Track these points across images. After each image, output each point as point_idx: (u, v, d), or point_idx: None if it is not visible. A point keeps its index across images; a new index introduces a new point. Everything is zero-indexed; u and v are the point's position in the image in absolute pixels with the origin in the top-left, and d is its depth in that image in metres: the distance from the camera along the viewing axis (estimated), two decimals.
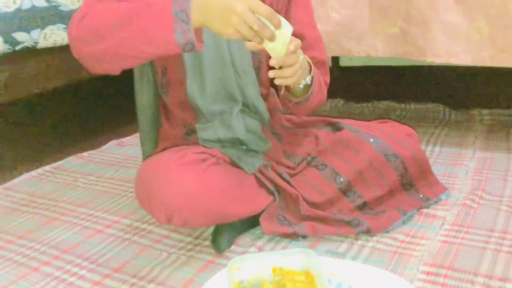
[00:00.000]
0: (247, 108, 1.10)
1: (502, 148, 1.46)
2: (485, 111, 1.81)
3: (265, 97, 1.15)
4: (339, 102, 2.13)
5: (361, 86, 2.25)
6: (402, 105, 2.01)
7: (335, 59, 2.27)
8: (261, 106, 1.11)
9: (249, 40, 0.81)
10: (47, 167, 1.61)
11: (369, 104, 2.08)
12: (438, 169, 1.35)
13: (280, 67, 0.90)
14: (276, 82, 0.92)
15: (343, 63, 2.31)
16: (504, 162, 1.36)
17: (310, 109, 1.11)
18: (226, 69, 1.04)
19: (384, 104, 2.05)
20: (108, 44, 0.83)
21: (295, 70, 0.90)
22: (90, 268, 1.01)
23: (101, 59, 0.86)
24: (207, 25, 0.81)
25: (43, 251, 1.09)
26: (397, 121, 1.79)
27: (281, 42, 0.83)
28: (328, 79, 1.17)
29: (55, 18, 1.46)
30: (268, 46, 0.84)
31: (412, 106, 1.99)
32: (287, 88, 1.05)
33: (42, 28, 1.43)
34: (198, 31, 0.82)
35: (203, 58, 1.01)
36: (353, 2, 1.47)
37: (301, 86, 1.02)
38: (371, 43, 1.50)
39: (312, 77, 1.03)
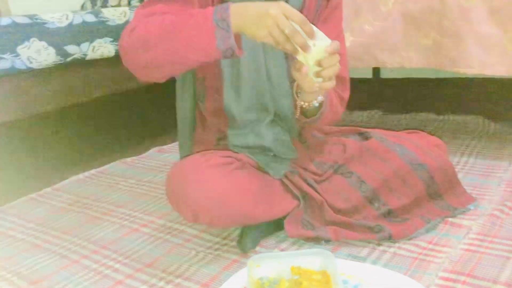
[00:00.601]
0: (279, 118, 1.15)
1: None
2: None
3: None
4: (377, 113, 2.14)
5: (401, 97, 2.25)
6: (441, 117, 1.99)
7: (376, 71, 2.29)
8: (293, 117, 1.15)
9: (283, 47, 0.83)
10: (93, 171, 1.72)
11: (407, 116, 2.07)
12: (470, 180, 1.34)
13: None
14: (318, 85, 0.91)
15: (384, 75, 2.32)
16: None
17: (321, 126, 1.15)
18: (261, 81, 1.09)
19: (422, 115, 2.04)
20: (156, 53, 0.88)
21: (335, 71, 0.89)
22: (125, 263, 1.08)
23: (149, 67, 0.92)
24: (243, 30, 0.85)
25: (83, 245, 1.18)
26: (433, 133, 1.79)
27: (316, 53, 0.84)
28: (347, 95, 1.18)
29: (103, 32, 1.58)
30: (304, 57, 0.85)
31: (451, 118, 1.97)
32: (300, 108, 1.06)
33: (91, 41, 1.55)
34: (238, 39, 0.87)
35: (241, 69, 1.06)
36: (386, 15, 1.49)
37: (316, 104, 1.03)
38: (404, 54, 1.51)
39: (323, 99, 1.04)
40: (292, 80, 1.11)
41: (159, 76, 0.96)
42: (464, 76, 1.98)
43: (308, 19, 1.09)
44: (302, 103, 1.04)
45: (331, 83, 0.90)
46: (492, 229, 1.07)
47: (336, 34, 1.17)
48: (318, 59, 0.85)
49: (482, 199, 1.22)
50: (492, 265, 0.93)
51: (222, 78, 1.08)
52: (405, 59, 1.50)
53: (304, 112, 1.07)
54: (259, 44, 1.04)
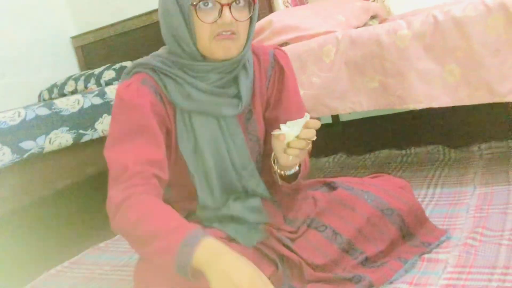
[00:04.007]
0: (247, 193, 1.16)
1: (502, 181, 1.47)
2: (483, 146, 1.83)
3: (267, 174, 1.19)
4: (341, 157, 2.17)
5: (362, 138, 2.30)
6: (403, 152, 2.04)
7: (335, 115, 2.34)
8: (262, 190, 1.16)
9: None
10: (65, 263, 1.66)
11: (371, 155, 2.11)
12: (439, 211, 1.36)
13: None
14: (289, 153, 0.98)
15: (343, 118, 2.38)
16: (504, 195, 1.36)
17: (295, 186, 1.17)
18: (228, 171, 1.11)
19: (385, 153, 2.08)
20: (136, 249, 0.96)
21: (308, 144, 0.98)
22: None
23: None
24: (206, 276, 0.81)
25: None
26: (398, 168, 1.83)
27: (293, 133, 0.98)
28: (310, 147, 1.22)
29: (58, 123, 1.58)
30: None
31: (413, 150, 2.02)
32: (279, 174, 1.10)
33: (47, 133, 1.54)
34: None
35: (206, 165, 1.08)
36: (330, 65, 1.55)
37: (293, 171, 1.08)
38: (354, 99, 1.56)
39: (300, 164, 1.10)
40: (256, 160, 1.15)
41: None
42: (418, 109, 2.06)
43: (260, 90, 1.15)
44: (279, 171, 1.08)
45: (303, 153, 0.99)
46: (468, 259, 1.07)
47: (296, 103, 1.20)
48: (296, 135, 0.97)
49: (454, 229, 1.23)
50: None
51: (188, 174, 1.09)
52: (355, 104, 1.54)
53: (281, 176, 1.11)
54: (219, 135, 1.08)
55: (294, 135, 0.97)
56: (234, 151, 1.11)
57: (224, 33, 1.01)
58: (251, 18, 1.06)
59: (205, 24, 1.00)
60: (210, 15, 1.00)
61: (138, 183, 0.95)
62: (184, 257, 0.82)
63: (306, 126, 0.97)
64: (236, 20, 1.01)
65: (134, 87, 1.04)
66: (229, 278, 0.78)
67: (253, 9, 1.05)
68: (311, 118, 1.00)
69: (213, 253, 0.82)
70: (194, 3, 0.99)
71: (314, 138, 0.98)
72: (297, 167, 1.09)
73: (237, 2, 1.01)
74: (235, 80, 1.10)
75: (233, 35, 1.02)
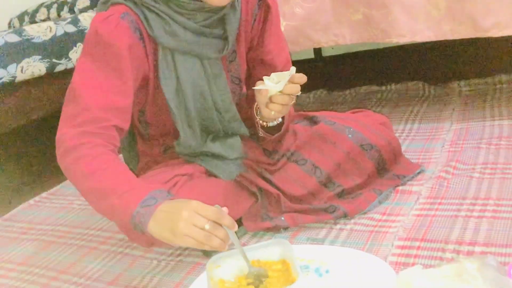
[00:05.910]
0: (227, 133, 1.14)
1: (478, 117, 1.49)
2: (463, 83, 1.83)
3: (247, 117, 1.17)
4: (322, 92, 2.16)
5: (344, 74, 2.28)
6: (383, 88, 2.03)
7: (318, 50, 2.30)
8: (243, 130, 1.14)
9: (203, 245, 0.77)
10: (43, 194, 1.66)
11: (351, 91, 2.10)
12: (415, 146, 1.38)
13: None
14: (271, 108, 0.97)
15: (325, 53, 2.34)
16: (479, 131, 1.38)
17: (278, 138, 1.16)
18: (210, 112, 1.08)
19: (365, 89, 2.08)
20: (86, 199, 0.90)
21: (291, 100, 0.96)
22: (86, 285, 1.06)
23: None
24: (160, 239, 0.80)
25: (41, 274, 1.14)
26: (377, 104, 1.84)
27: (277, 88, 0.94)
28: None
29: (30, 51, 1.51)
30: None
31: (393, 87, 2.02)
32: (260, 125, 1.09)
33: (18, 62, 1.48)
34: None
35: (188, 105, 1.04)
36: None
37: (276, 123, 1.07)
38: (337, 32, 1.53)
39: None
40: (236, 102, 1.13)
41: None
42: (401, 44, 2.03)
43: (246, 30, 1.10)
44: (262, 122, 1.07)
45: (286, 108, 0.97)
46: (440, 191, 1.10)
47: (279, 45, 1.16)
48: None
49: (429, 163, 1.26)
50: (443, 226, 0.97)
51: (168, 114, 1.06)
52: (338, 37, 1.52)
53: (263, 127, 1.10)
54: (202, 76, 1.04)
55: (277, 90, 0.94)
56: (216, 92, 1.07)
57: None
58: None
59: None
60: None
61: (96, 132, 0.90)
62: (141, 217, 0.80)
63: (291, 81, 0.94)
64: None
65: (113, 22, 0.94)
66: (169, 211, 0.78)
67: None
68: (294, 65, 0.97)
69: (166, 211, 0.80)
70: None
71: (299, 93, 0.95)
72: (280, 119, 1.07)
73: None
74: (222, 20, 1.03)
75: None
